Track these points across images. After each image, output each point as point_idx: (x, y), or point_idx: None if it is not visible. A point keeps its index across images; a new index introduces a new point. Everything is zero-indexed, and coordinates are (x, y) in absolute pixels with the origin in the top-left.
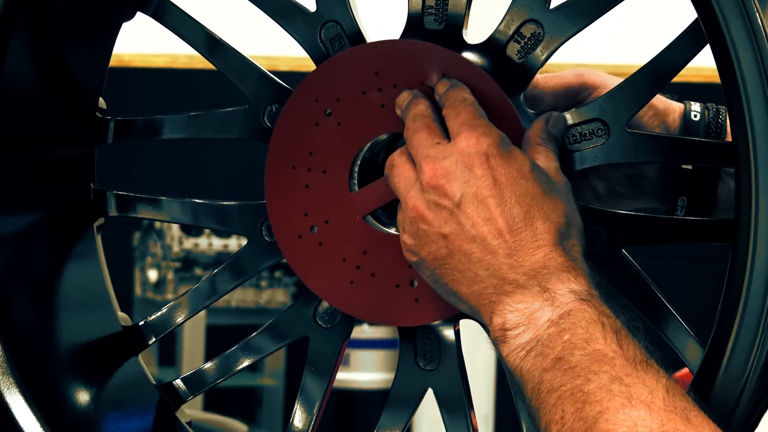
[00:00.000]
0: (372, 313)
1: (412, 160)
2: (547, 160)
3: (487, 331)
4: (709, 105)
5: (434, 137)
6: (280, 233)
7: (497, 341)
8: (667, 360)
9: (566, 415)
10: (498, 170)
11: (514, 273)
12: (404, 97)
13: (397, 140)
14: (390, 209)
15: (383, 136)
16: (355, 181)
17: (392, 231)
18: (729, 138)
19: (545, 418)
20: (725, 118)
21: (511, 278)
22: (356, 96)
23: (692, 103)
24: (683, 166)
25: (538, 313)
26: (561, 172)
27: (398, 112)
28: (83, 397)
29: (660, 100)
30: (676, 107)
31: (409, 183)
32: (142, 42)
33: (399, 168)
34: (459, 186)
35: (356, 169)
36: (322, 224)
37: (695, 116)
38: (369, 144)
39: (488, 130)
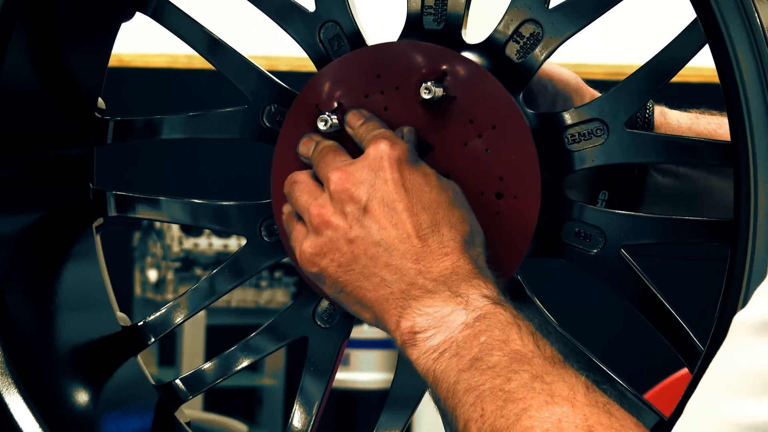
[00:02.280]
0: None
1: (319, 181)
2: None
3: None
4: None
5: (342, 156)
6: (287, 239)
7: (405, 345)
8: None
9: (486, 413)
10: (406, 176)
11: (422, 278)
12: (305, 141)
13: None
14: None
15: None
16: None
17: None
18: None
19: (463, 417)
20: (652, 112)
21: (419, 283)
22: (358, 99)
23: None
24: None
25: (451, 316)
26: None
27: (303, 158)
28: (82, 397)
29: (588, 92)
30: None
31: (313, 195)
32: (141, 42)
33: (302, 184)
34: (366, 189)
35: None
36: None
37: None
38: None
39: (398, 140)
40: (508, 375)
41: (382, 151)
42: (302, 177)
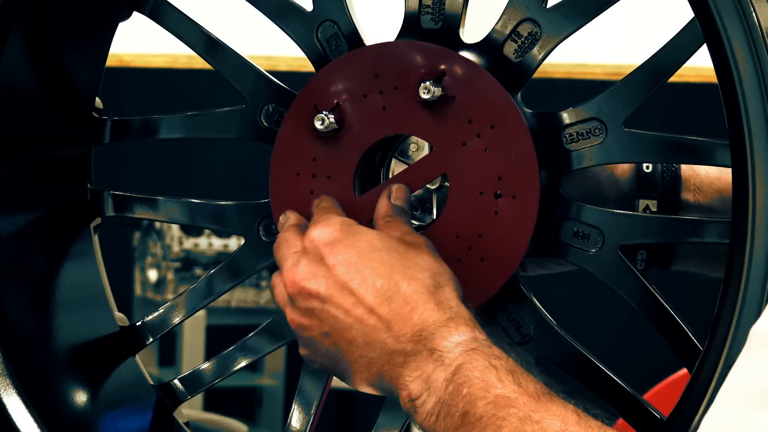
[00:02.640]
0: None
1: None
2: (398, 230)
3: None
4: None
5: (291, 247)
6: None
7: (409, 412)
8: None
9: None
10: (348, 252)
11: (399, 343)
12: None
13: (394, 140)
14: None
15: None
16: (359, 185)
17: None
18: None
19: None
20: (678, 168)
21: (400, 349)
22: (357, 99)
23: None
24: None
25: (434, 374)
26: (415, 233)
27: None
28: (80, 397)
29: None
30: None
31: (283, 300)
32: (141, 42)
33: (276, 288)
34: (318, 282)
35: (359, 173)
36: None
37: (647, 168)
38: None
39: (330, 219)
40: (497, 423)
41: (315, 239)
42: (275, 280)
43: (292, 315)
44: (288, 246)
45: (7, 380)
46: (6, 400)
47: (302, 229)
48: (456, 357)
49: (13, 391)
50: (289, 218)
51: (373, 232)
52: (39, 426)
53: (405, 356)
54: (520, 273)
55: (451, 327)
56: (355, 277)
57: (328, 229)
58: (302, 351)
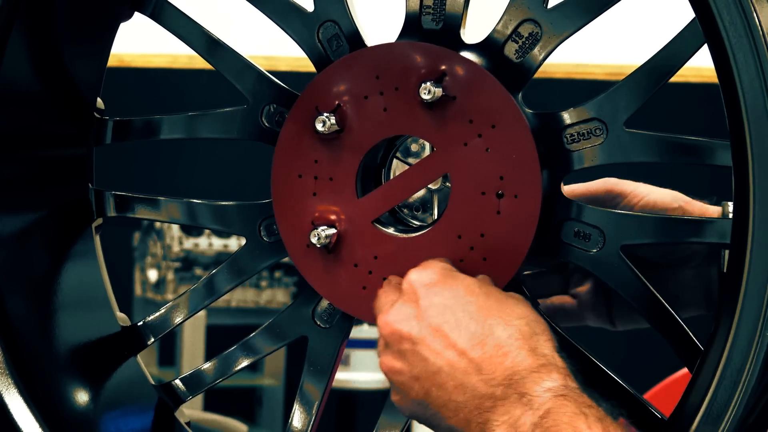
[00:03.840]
0: None
1: None
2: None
3: None
4: None
5: (389, 296)
6: (289, 242)
7: None
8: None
9: None
10: (444, 294)
11: (489, 387)
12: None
13: (395, 141)
14: (395, 213)
15: None
16: (361, 186)
17: (400, 234)
18: None
19: None
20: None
21: (488, 393)
22: (358, 101)
23: (729, 204)
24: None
25: (522, 419)
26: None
27: None
28: (82, 397)
29: (696, 206)
30: (713, 212)
31: (380, 345)
32: (142, 42)
33: (379, 341)
34: (410, 324)
35: (361, 175)
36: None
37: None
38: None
39: (430, 263)
40: None
41: (413, 281)
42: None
43: (384, 358)
44: (386, 295)
45: (9, 380)
46: (8, 400)
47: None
48: (545, 401)
49: (15, 390)
50: (390, 280)
51: (471, 278)
52: (40, 425)
53: (494, 400)
54: (522, 273)
55: (543, 373)
56: (449, 320)
57: (427, 272)
58: (394, 397)
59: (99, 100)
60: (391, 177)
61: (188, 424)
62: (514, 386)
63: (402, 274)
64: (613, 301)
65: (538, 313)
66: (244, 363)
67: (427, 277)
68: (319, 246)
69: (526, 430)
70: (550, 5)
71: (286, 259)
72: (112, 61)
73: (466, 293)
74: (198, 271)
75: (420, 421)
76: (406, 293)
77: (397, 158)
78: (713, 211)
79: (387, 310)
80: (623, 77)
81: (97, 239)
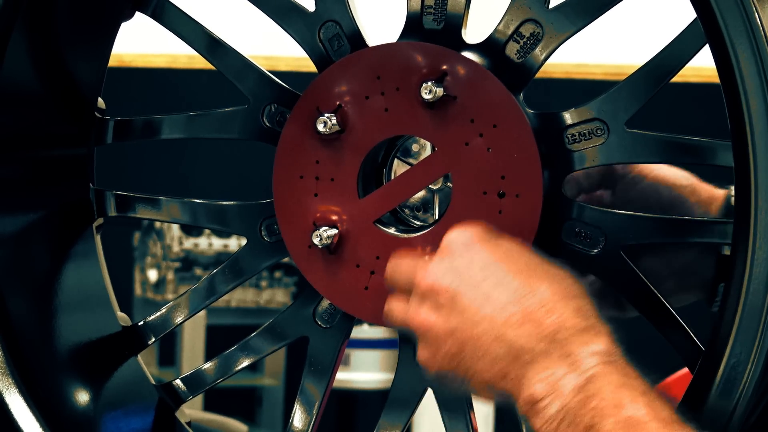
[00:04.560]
0: None
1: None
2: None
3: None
4: None
5: (419, 258)
6: (291, 243)
7: (528, 414)
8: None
9: None
10: (484, 254)
11: (530, 341)
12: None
13: (396, 141)
14: (397, 213)
15: None
16: (362, 187)
17: (402, 234)
18: None
19: None
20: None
21: (529, 347)
22: (359, 101)
23: (732, 187)
24: (722, 252)
25: (564, 380)
26: None
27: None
28: (83, 397)
29: (704, 189)
30: (719, 195)
31: (401, 309)
32: (142, 42)
33: (394, 303)
34: (450, 278)
35: (362, 175)
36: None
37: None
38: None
39: (471, 224)
40: None
41: (453, 239)
42: (393, 299)
43: (418, 313)
44: (413, 257)
45: (10, 380)
46: (9, 400)
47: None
48: (591, 366)
49: (16, 390)
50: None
51: (512, 241)
52: (41, 426)
53: (533, 355)
54: None
55: (590, 334)
56: (489, 276)
57: (468, 232)
58: (421, 354)
59: (100, 99)
60: (392, 177)
61: (189, 424)
62: (558, 344)
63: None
64: None
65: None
66: (245, 363)
67: (467, 236)
68: (320, 246)
69: (567, 393)
70: (551, 5)
71: (286, 260)
72: (111, 61)
73: (506, 254)
74: (198, 271)
75: (444, 382)
76: (446, 250)
77: (398, 158)
78: (719, 194)
79: (423, 266)
80: (623, 77)
81: (98, 239)
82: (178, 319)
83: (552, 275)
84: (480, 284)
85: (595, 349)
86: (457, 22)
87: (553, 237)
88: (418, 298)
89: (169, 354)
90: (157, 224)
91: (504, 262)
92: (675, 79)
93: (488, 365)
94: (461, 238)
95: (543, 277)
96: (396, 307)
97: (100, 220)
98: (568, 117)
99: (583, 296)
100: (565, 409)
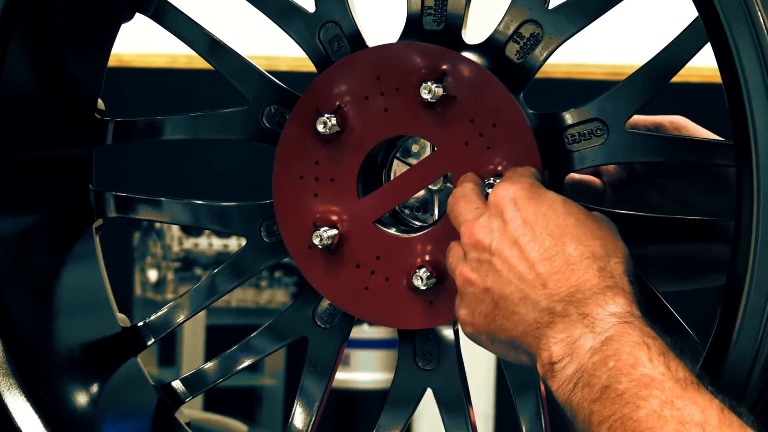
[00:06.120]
0: (388, 317)
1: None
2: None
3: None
4: None
5: (471, 203)
6: (291, 243)
7: (546, 376)
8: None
9: None
10: (528, 210)
11: (550, 301)
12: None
13: (396, 141)
14: (396, 213)
15: None
16: (362, 187)
17: (402, 234)
18: None
19: None
20: None
21: (549, 307)
22: (359, 102)
23: None
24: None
25: (580, 341)
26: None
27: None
28: (83, 397)
29: (695, 129)
30: None
31: (457, 257)
32: (142, 42)
33: (452, 251)
34: (492, 235)
35: (362, 175)
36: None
37: None
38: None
39: (519, 178)
40: (636, 402)
41: (500, 195)
42: (452, 245)
43: (462, 269)
44: (468, 201)
45: (11, 380)
46: (9, 400)
47: (480, 188)
48: (608, 327)
49: (17, 391)
50: (468, 176)
51: (558, 196)
52: (42, 426)
53: (553, 316)
54: None
55: (608, 295)
56: (527, 233)
57: (515, 187)
58: (460, 312)
59: (99, 100)
60: (392, 177)
61: (188, 424)
62: (575, 304)
63: (405, 275)
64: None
65: (620, 239)
66: (245, 363)
67: (513, 192)
68: (321, 247)
69: (584, 354)
70: (551, 6)
71: (286, 260)
72: (111, 61)
73: (548, 210)
74: (198, 271)
75: (478, 342)
76: (493, 206)
77: (398, 158)
78: None
79: (473, 219)
80: (623, 77)
81: (98, 240)
82: (178, 320)
83: (586, 234)
84: (517, 242)
85: (612, 310)
86: (457, 23)
87: None
88: (462, 253)
89: (169, 354)
90: (157, 224)
91: (543, 220)
92: (675, 79)
93: (514, 324)
94: (508, 194)
95: (575, 236)
96: (453, 254)
97: (100, 221)
98: (568, 117)
99: (616, 255)
100: (581, 369)
